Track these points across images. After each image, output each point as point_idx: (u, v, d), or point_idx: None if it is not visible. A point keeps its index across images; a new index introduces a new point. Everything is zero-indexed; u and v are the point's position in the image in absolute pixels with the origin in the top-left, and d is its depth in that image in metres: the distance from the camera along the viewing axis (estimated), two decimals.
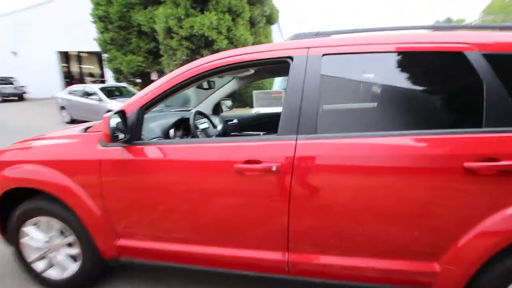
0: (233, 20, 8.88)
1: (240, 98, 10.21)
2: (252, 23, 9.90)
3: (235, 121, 2.90)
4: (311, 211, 1.26)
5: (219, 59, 1.43)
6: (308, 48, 1.33)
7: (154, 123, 1.95)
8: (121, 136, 1.38)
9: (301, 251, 1.32)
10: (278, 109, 3.19)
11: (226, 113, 3.06)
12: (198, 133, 2.05)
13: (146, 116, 1.52)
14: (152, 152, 1.43)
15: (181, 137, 2.09)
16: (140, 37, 10.34)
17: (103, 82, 16.83)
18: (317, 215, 1.26)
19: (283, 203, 1.27)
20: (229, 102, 3.01)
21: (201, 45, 8.62)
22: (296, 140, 1.26)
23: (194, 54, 8.63)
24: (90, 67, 22.22)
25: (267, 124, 2.85)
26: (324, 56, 1.30)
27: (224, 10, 8.67)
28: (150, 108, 1.50)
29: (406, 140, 1.19)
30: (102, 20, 10.38)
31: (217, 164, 1.34)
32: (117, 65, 10.68)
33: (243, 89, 9.15)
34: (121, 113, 1.41)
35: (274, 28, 12.50)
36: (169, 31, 8.79)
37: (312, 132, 1.26)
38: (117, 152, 1.45)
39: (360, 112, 1.37)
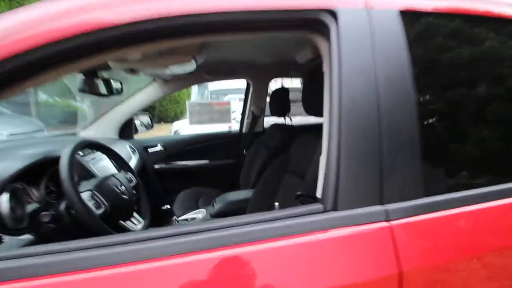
0: None
1: (151, 112, 8.70)
2: None
3: (158, 148, 1.89)
4: None
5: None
6: None
7: None
8: None
9: None
10: (222, 127, 2.34)
11: (141, 135, 2.01)
12: (89, 198, 0.84)
13: None
14: None
15: (34, 219, 0.80)
16: None
17: None
18: None
19: None
20: (146, 118, 1.97)
21: None
22: (390, 222, 0.47)
23: None
24: None
25: (209, 151, 1.96)
26: (404, 14, 0.57)
27: None
28: None
29: None
30: None
31: None
32: None
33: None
34: None
35: None
36: None
37: (420, 194, 0.50)
38: None
39: None
